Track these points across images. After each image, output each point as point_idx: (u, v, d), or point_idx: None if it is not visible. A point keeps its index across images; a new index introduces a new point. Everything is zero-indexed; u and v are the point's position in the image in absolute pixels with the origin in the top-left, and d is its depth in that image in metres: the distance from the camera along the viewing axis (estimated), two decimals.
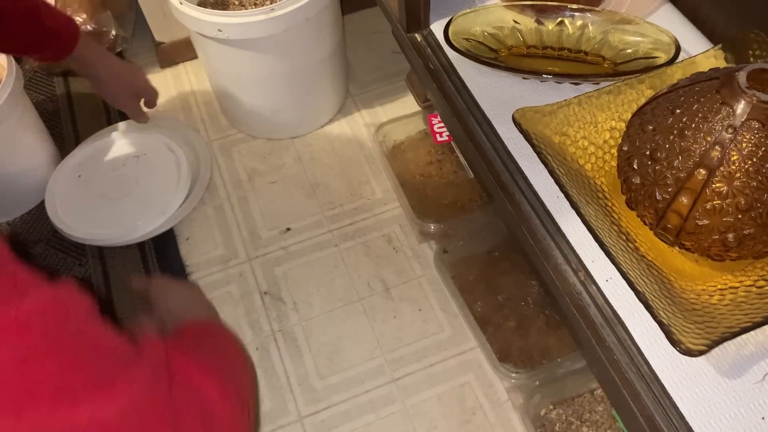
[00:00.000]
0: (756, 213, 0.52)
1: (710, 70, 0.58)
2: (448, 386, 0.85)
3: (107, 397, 0.39)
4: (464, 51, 0.75)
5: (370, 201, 1.03)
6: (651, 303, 0.52)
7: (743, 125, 0.51)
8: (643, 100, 0.64)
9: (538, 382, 0.80)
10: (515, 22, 0.80)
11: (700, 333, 0.50)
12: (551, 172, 0.60)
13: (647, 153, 0.56)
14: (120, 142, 1.05)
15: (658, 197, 0.55)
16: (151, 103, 1.01)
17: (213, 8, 0.98)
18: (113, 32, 1.15)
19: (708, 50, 0.69)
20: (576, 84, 0.74)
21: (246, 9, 0.98)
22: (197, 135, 1.10)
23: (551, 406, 0.80)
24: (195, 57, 1.22)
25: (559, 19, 0.79)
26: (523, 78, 0.75)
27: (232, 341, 0.60)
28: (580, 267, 0.61)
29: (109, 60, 0.93)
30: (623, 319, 0.57)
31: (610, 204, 0.61)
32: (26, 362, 0.36)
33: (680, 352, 0.49)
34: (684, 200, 0.54)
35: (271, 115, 1.07)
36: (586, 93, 0.66)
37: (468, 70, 0.77)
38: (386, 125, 1.07)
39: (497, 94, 0.75)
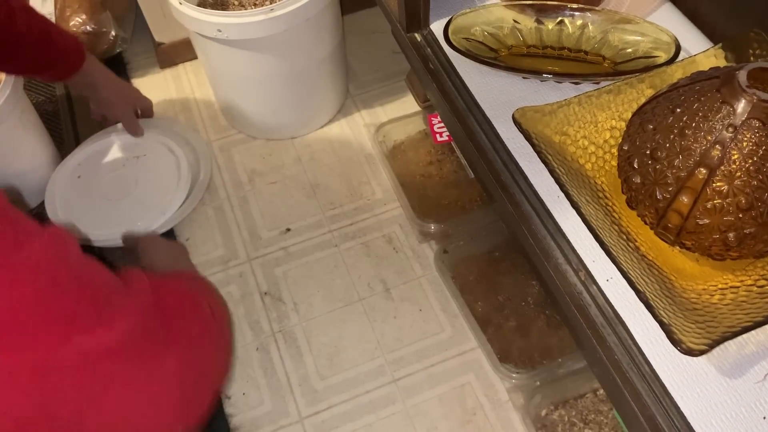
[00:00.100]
0: (757, 212, 0.52)
1: (710, 69, 0.57)
2: (448, 386, 0.85)
3: (109, 326, 0.43)
4: (464, 51, 0.75)
5: (370, 201, 1.03)
6: (652, 303, 0.52)
7: (744, 124, 0.51)
8: (643, 100, 0.64)
9: (538, 383, 0.80)
10: (515, 21, 0.80)
11: (701, 332, 0.50)
12: (551, 172, 0.60)
13: (648, 152, 0.56)
14: (120, 142, 1.05)
15: (659, 196, 0.55)
16: (148, 112, 1.08)
17: (212, 8, 0.98)
18: (113, 33, 1.15)
19: (708, 49, 0.69)
20: (576, 83, 0.74)
21: (246, 9, 0.98)
22: (197, 135, 1.10)
23: (552, 407, 0.80)
24: (195, 57, 1.22)
25: (559, 18, 0.79)
26: (523, 78, 0.75)
27: (208, 287, 0.65)
28: (580, 267, 0.60)
29: (106, 73, 0.98)
30: (624, 318, 0.57)
31: (610, 203, 0.61)
32: (40, 299, 0.40)
33: (681, 352, 0.49)
34: (684, 199, 0.53)
35: (271, 115, 1.07)
36: (586, 92, 0.66)
37: (468, 70, 0.77)
38: (386, 125, 1.06)
39: (497, 94, 0.75)
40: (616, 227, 0.58)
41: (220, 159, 1.09)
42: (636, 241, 0.58)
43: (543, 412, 0.80)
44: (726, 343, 0.53)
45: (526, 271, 0.91)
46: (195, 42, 1.02)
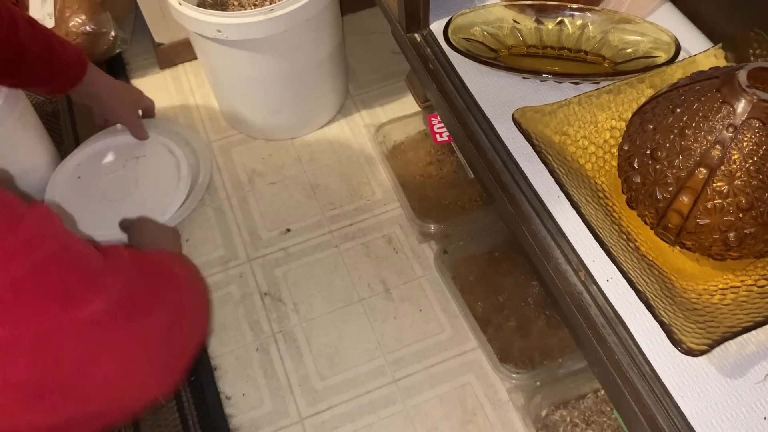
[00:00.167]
0: (757, 212, 0.52)
1: (710, 69, 0.57)
2: (448, 387, 0.85)
3: (97, 297, 0.47)
4: (464, 51, 0.75)
5: (370, 201, 1.03)
6: (652, 303, 0.51)
7: (744, 124, 0.51)
8: (643, 100, 0.64)
9: (539, 383, 0.80)
10: (515, 21, 0.80)
11: (702, 333, 0.50)
12: (551, 172, 0.60)
13: (648, 152, 0.56)
14: (120, 143, 1.05)
15: (659, 196, 0.55)
16: (150, 112, 1.08)
17: (212, 9, 0.98)
18: (112, 33, 1.15)
19: (708, 49, 0.69)
20: (576, 83, 0.74)
21: (245, 9, 0.98)
22: (197, 136, 1.10)
23: (553, 407, 0.80)
24: (194, 58, 1.22)
25: (559, 18, 0.79)
26: (523, 78, 0.75)
27: (184, 261, 0.69)
28: (580, 267, 0.60)
29: (107, 80, 0.98)
30: (624, 319, 0.57)
31: (610, 203, 0.61)
32: (36, 275, 0.43)
33: (681, 352, 0.49)
34: (685, 199, 0.53)
35: (271, 115, 1.07)
36: (586, 92, 0.66)
37: (468, 70, 0.77)
38: (386, 126, 1.06)
39: (497, 94, 0.74)
40: (616, 227, 0.58)
41: (219, 159, 1.09)
42: (636, 241, 0.58)
43: (543, 413, 0.80)
44: (726, 344, 0.53)
45: (526, 272, 0.91)
46: (195, 42, 1.02)
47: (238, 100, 1.06)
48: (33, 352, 0.44)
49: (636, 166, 0.57)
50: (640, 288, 0.52)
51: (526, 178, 0.67)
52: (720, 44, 0.69)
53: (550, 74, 0.73)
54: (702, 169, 0.52)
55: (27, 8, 1.13)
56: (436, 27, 0.82)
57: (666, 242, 0.59)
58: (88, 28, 1.12)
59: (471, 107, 0.74)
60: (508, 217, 0.67)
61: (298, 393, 0.85)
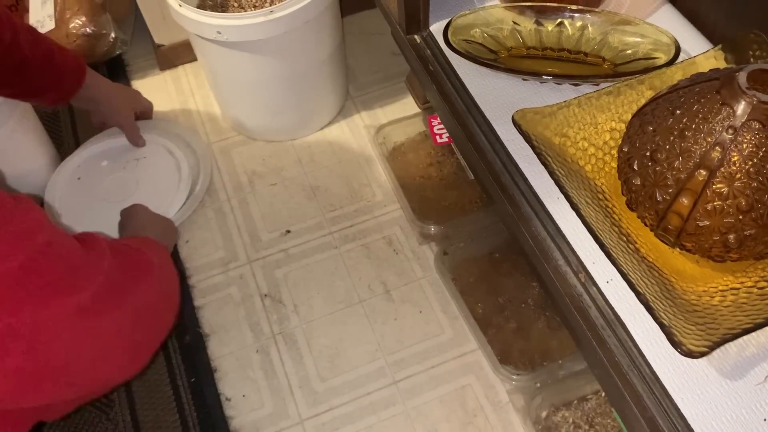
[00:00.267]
0: (757, 214, 0.52)
1: (710, 70, 0.57)
2: (449, 388, 0.85)
3: (83, 285, 0.50)
4: (464, 52, 0.75)
5: (370, 203, 1.03)
6: (652, 304, 0.51)
7: (743, 126, 0.51)
8: (643, 101, 0.64)
9: (539, 384, 0.80)
10: (515, 23, 0.80)
11: (702, 334, 0.50)
12: (551, 174, 0.60)
13: (647, 154, 0.56)
14: (120, 144, 1.05)
15: (659, 198, 0.55)
16: (148, 113, 1.08)
17: (212, 10, 0.98)
18: (113, 35, 1.15)
19: (708, 51, 0.69)
20: (576, 85, 0.74)
21: (245, 11, 0.98)
22: (197, 137, 1.10)
23: (553, 409, 0.80)
24: (194, 59, 1.22)
25: (559, 20, 0.79)
26: (523, 79, 0.75)
27: (160, 249, 0.73)
28: (580, 268, 0.60)
29: (105, 84, 0.98)
30: (624, 320, 0.57)
31: (610, 205, 0.61)
32: (27, 267, 0.46)
33: (681, 354, 0.49)
34: (684, 201, 0.53)
35: (271, 117, 1.07)
36: (586, 94, 0.66)
37: (468, 72, 0.77)
38: (386, 127, 1.06)
39: (497, 96, 0.75)
40: (616, 229, 0.58)
41: (220, 161, 1.09)
42: (636, 242, 0.58)
43: (544, 414, 0.80)
44: (726, 345, 0.53)
45: (526, 273, 0.91)
46: (195, 44, 1.02)
47: (238, 102, 1.06)
48: (29, 341, 0.46)
49: (636, 167, 0.57)
50: (640, 290, 0.52)
51: (526, 179, 0.67)
52: (720, 46, 0.69)
53: (549, 76, 0.73)
54: (702, 171, 0.52)
55: (27, 10, 1.13)
56: (436, 28, 0.82)
57: (666, 244, 0.59)
58: (88, 29, 1.12)
59: (471, 109, 0.74)
60: (508, 218, 0.67)
61: (299, 394, 0.85)
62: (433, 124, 1.01)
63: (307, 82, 1.03)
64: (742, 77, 0.52)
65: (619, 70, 0.74)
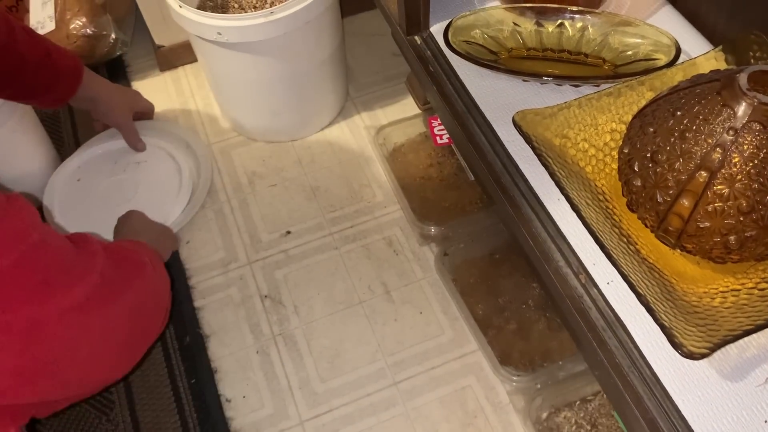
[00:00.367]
0: (758, 215, 0.52)
1: (711, 71, 0.57)
2: (449, 389, 0.84)
3: (77, 284, 0.50)
4: (464, 53, 0.75)
5: (370, 204, 1.03)
6: (652, 306, 0.51)
7: (744, 127, 0.51)
8: (643, 102, 0.64)
9: (539, 385, 0.80)
10: (515, 24, 0.80)
11: (702, 336, 0.50)
12: (552, 175, 0.60)
13: (648, 155, 0.56)
14: (120, 146, 1.05)
15: (659, 199, 0.55)
16: (148, 114, 1.08)
17: (212, 11, 0.98)
18: (113, 36, 1.15)
19: (708, 52, 0.69)
20: (576, 86, 0.74)
21: (246, 12, 0.98)
22: (197, 138, 1.10)
23: (553, 410, 0.80)
24: (195, 60, 1.22)
25: (559, 21, 0.79)
26: (523, 80, 0.75)
27: (153, 254, 0.72)
28: (581, 270, 0.60)
29: (104, 85, 0.98)
30: (624, 322, 0.57)
31: (611, 206, 0.61)
32: (22, 266, 0.46)
33: (682, 356, 0.49)
34: (685, 202, 0.53)
35: (271, 118, 1.07)
36: (587, 95, 0.66)
37: (468, 73, 0.77)
38: (386, 128, 1.06)
39: (497, 97, 0.75)
40: (616, 230, 0.58)
41: (220, 162, 1.09)
42: (636, 244, 0.58)
43: (544, 415, 0.80)
44: (727, 347, 0.53)
45: (526, 274, 0.91)
46: (195, 45, 1.02)
47: (238, 103, 1.06)
48: (25, 338, 0.47)
49: (636, 169, 0.57)
50: (640, 291, 0.52)
51: (526, 180, 0.67)
52: (720, 47, 0.69)
53: (550, 77, 0.73)
54: (702, 172, 0.52)
55: (28, 11, 1.13)
56: (437, 29, 0.82)
57: (666, 245, 0.59)
58: (88, 30, 1.12)
59: (471, 110, 0.74)
60: (509, 219, 0.67)
61: (299, 395, 0.85)
62: (433, 125, 1.01)
63: (308, 83, 1.03)
64: (742, 78, 0.52)
65: (620, 71, 0.74)
